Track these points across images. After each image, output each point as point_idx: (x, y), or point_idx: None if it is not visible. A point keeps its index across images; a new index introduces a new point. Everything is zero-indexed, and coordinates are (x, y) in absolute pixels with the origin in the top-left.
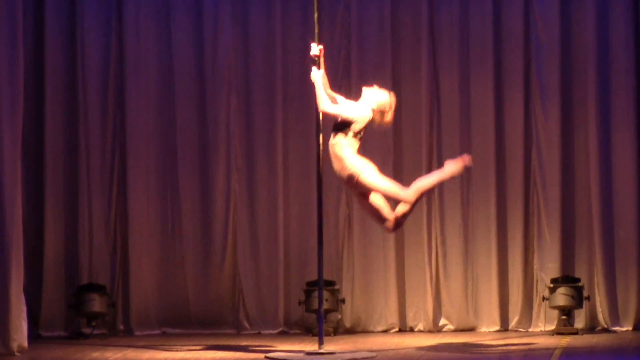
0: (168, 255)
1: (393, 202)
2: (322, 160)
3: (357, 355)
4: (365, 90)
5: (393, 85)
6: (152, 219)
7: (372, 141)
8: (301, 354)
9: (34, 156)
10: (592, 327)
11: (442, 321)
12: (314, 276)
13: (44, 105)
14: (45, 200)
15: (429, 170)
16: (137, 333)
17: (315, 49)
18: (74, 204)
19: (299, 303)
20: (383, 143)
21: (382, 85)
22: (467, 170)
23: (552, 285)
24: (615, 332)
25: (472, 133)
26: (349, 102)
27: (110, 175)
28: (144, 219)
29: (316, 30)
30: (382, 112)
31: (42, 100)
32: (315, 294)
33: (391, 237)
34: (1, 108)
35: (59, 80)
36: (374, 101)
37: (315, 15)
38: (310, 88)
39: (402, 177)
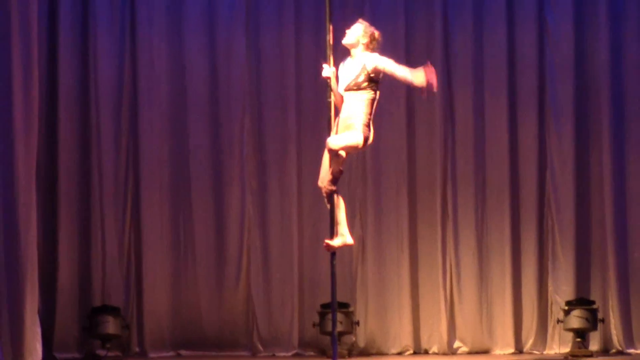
0: (182, 278)
1: None
2: None
3: None
4: (346, 43)
5: (407, 107)
6: (165, 241)
7: (387, 162)
8: None
9: (47, 179)
10: (606, 349)
11: (457, 343)
12: (327, 298)
13: (58, 127)
14: (59, 222)
15: (444, 191)
16: (152, 355)
17: (328, 70)
18: (88, 226)
19: (314, 325)
20: (398, 164)
21: (396, 106)
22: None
23: (566, 308)
24: (629, 354)
25: (486, 155)
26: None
27: (124, 198)
28: (157, 241)
29: (328, 53)
30: (372, 39)
31: (55, 123)
32: (330, 316)
33: (405, 259)
34: (16, 131)
35: (72, 101)
36: (360, 36)
37: (328, 37)
38: (323, 112)
39: (416, 198)
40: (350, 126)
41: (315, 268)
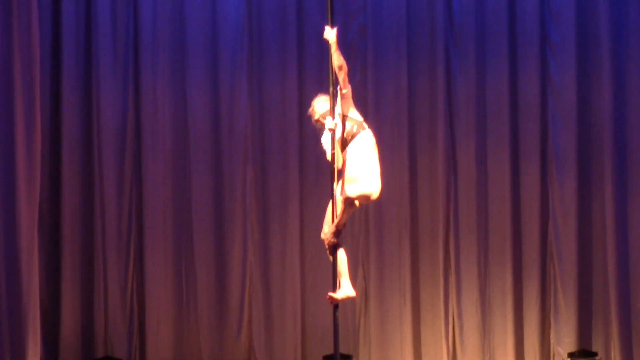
0: (184, 328)
1: None
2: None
3: None
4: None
5: (409, 155)
6: (168, 291)
7: (389, 213)
8: None
9: (50, 228)
10: None
11: None
12: (330, 350)
13: (61, 174)
14: (62, 271)
15: (446, 241)
16: None
17: (331, 122)
18: (90, 276)
19: None
20: (400, 214)
21: (399, 155)
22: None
23: None
24: None
25: (488, 204)
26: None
27: (127, 247)
28: (160, 291)
29: (332, 104)
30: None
31: (58, 169)
32: None
33: (408, 310)
34: (18, 177)
35: (76, 148)
36: (327, 106)
37: (331, 89)
38: (326, 163)
39: (418, 249)
40: (357, 179)
41: (318, 319)
